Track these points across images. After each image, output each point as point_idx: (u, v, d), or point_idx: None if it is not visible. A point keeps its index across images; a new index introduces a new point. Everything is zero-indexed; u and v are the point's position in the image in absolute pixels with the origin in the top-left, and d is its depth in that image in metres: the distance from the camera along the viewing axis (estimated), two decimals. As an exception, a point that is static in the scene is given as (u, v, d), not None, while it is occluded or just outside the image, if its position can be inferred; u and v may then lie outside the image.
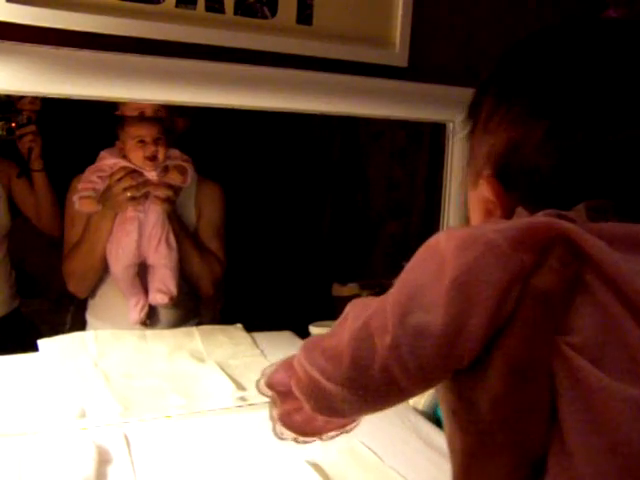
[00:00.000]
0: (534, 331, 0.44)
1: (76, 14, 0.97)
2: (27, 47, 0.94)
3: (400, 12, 1.17)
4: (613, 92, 0.47)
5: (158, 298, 1.51)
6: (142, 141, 1.46)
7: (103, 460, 0.97)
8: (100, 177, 1.46)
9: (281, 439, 0.60)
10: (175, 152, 1.52)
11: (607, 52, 0.49)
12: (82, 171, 1.52)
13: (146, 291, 1.53)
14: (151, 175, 1.47)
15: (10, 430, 1.03)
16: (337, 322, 0.51)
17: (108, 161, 1.48)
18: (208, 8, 1.05)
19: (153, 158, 1.46)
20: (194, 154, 1.58)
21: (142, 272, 1.53)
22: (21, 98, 1.65)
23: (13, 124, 1.68)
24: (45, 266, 1.87)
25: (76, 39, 0.98)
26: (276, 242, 1.96)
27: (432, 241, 0.48)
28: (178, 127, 1.59)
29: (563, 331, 0.43)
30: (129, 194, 1.44)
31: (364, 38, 1.16)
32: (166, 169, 1.49)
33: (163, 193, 1.48)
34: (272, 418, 0.60)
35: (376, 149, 1.94)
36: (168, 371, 1.28)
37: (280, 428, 0.60)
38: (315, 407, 0.52)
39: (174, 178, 1.50)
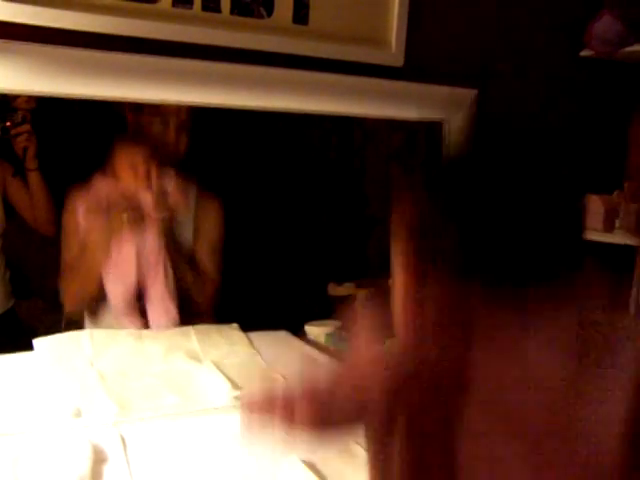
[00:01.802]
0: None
1: (73, 13, 0.97)
2: (24, 46, 0.94)
3: (396, 12, 1.18)
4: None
5: (162, 322, 1.50)
6: (135, 163, 1.45)
7: (99, 459, 0.97)
8: (98, 202, 1.45)
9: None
10: (170, 173, 1.50)
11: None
12: (75, 171, 1.52)
13: (142, 313, 1.51)
14: (146, 199, 1.46)
15: (5, 429, 1.03)
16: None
17: (102, 184, 1.47)
18: (204, 7, 1.05)
19: (146, 179, 1.45)
20: (190, 158, 1.57)
21: (139, 297, 1.51)
22: (16, 97, 1.64)
23: (8, 123, 1.67)
24: (40, 266, 1.87)
25: (73, 38, 0.98)
26: (272, 241, 1.96)
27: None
28: (179, 151, 1.57)
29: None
30: (125, 218, 1.43)
31: (360, 38, 1.17)
32: (161, 192, 1.48)
33: (159, 216, 1.46)
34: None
35: (372, 149, 1.94)
36: (164, 371, 1.28)
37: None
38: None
39: (169, 203, 1.48)
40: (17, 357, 1.30)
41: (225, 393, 1.21)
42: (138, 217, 1.44)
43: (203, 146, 1.78)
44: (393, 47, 1.18)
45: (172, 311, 1.50)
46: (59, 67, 0.98)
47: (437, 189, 0.61)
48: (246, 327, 1.54)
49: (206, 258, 1.59)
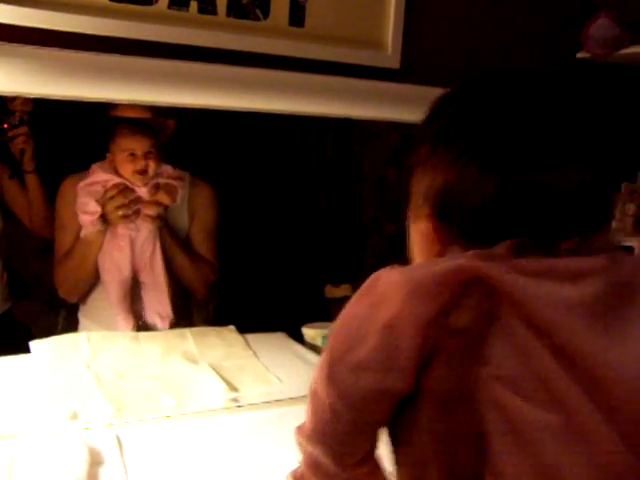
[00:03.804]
0: (455, 364, 0.48)
1: (69, 15, 0.97)
2: (21, 48, 0.94)
3: (392, 14, 1.18)
4: (536, 140, 0.52)
5: (157, 321, 1.51)
6: (133, 154, 1.46)
7: (95, 462, 0.97)
8: (95, 194, 1.46)
9: None
10: (168, 168, 1.52)
11: (531, 104, 0.54)
12: (72, 172, 1.52)
13: (135, 306, 1.52)
14: (142, 192, 1.47)
15: (2, 431, 1.03)
16: None
17: (100, 177, 1.47)
18: (200, 10, 1.05)
19: (143, 172, 1.46)
20: (187, 154, 1.58)
21: (133, 286, 1.52)
22: (13, 99, 1.64)
23: (5, 125, 1.67)
24: (36, 268, 1.86)
25: (69, 40, 0.98)
26: (269, 243, 1.96)
27: (372, 280, 0.53)
28: (166, 131, 1.58)
29: (482, 363, 0.48)
30: (121, 212, 1.44)
31: (356, 40, 1.17)
32: (157, 186, 1.49)
33: (154, 211, 1.48)
34: None
35: (369, 150, 1.94)
36: (161, 373, 1.28)
37: None
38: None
39: (164, 198, 1.50)
40: (14, 359, 1.30)
41: (222, 395, 1.21)
42: (133, 211, 1.45)
43: (199, 146, 1.79)
44: (389, 49, 1.18)
45: (168, 312, 1.51)
46: (55, 69, 0.98)
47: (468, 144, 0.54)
48: (243, 329, 1.54)
49: (202, 243, 1.62)
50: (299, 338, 1.55)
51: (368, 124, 1.88)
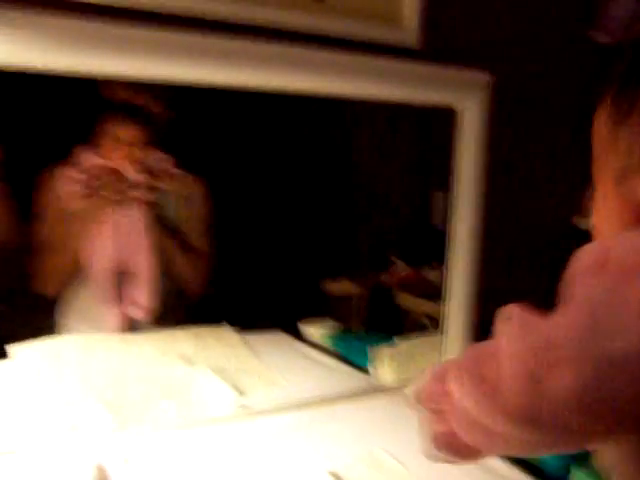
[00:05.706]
0: None
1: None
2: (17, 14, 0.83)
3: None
4: None
5: (133, 312, 1.42)
6: (121, 141, 1.36)
7: (99, 475, 0.88)
8: (79, 174, 1.36)
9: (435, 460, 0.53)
10: (157, 154, 1.43)
11: None
12: (48, 165, 1.41)
13: (122, 299, 1.43)
14: (131, 176, 1.37)
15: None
16: (490, 342, 0.44)
17: (84, 159, 1.37)
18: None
19: (132, 159, 1.37)
20: (177, 145, 1.49)
21: (120, 278, 1.43)
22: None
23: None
24: (8, 270, 1.74)
25: (72, 7, 0.88)
26: (263, 237, 1.89)
27: (597, 250, 0.42)
28: (161, 121, 1.49)
29: None
30: (106, 195, 1.34)
31: (377, 16, 1.10)
32: (148, 170, 1.40)
33: (143, 196, 1.39)
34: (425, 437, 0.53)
35: (365, 141, 1.89)
36: (157, 377, 1.19)
37: (435, 449, 0.52)
38: (471, 440, 0.46)
39: (156, 183, 1.41)
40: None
41: (226, 400, 1.13)
42: (122, 197, 1.36)
43: (191, 131, 1.70)
44: (410, 27, 1.12)
45: (145, 303, 1.41)
46: (51, 38, 0.87)
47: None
48: (238, 325, 1.46)
49: (196, 236, 1.52)
50: (296, 334, 1.48)
51: (360, 114, 1.82)
